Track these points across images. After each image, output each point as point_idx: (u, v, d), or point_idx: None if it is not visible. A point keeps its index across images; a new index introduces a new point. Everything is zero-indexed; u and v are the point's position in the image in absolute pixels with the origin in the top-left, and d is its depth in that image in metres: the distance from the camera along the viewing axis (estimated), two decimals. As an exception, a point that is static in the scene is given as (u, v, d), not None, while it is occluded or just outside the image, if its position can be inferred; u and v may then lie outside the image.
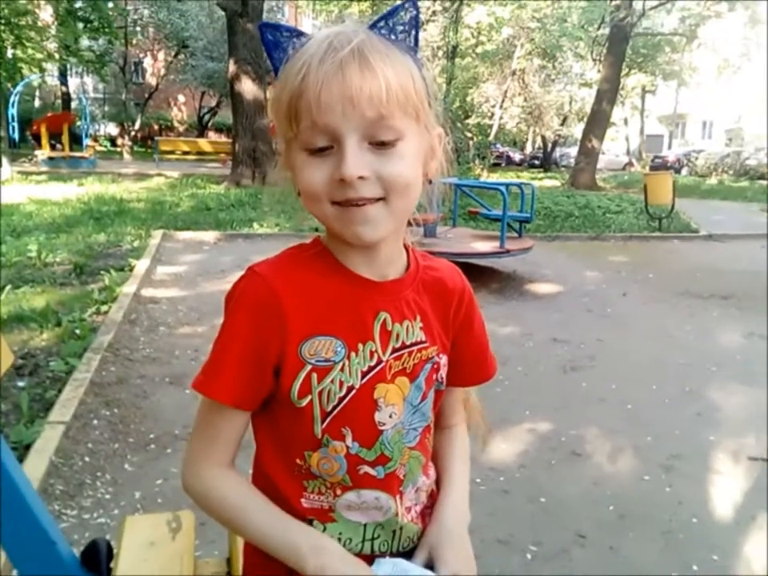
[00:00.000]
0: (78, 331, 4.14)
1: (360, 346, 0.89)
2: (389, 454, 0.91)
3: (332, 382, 0.87)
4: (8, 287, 5.09)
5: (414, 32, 0.83)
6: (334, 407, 0.87)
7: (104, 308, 4.73)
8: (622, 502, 2.55)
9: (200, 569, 1.21)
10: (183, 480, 0.92)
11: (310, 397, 0.86)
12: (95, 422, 3.04)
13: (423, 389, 0.94)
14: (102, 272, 5.78)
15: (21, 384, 3.32)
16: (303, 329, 0.86)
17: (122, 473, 2.63)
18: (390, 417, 0.91)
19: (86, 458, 2.71)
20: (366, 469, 0.90)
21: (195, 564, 1.20)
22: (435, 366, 0.95)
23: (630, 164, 36.01)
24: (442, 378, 0.97)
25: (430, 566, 0.91)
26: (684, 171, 30.16)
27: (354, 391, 0.88)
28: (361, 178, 0.78)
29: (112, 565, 1.20)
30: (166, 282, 5.93)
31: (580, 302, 5.90)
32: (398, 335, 0.91)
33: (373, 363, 0.89)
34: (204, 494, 0.90)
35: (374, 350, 0.89)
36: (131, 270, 6.01)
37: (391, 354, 0.91)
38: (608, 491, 2.64)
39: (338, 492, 0.91)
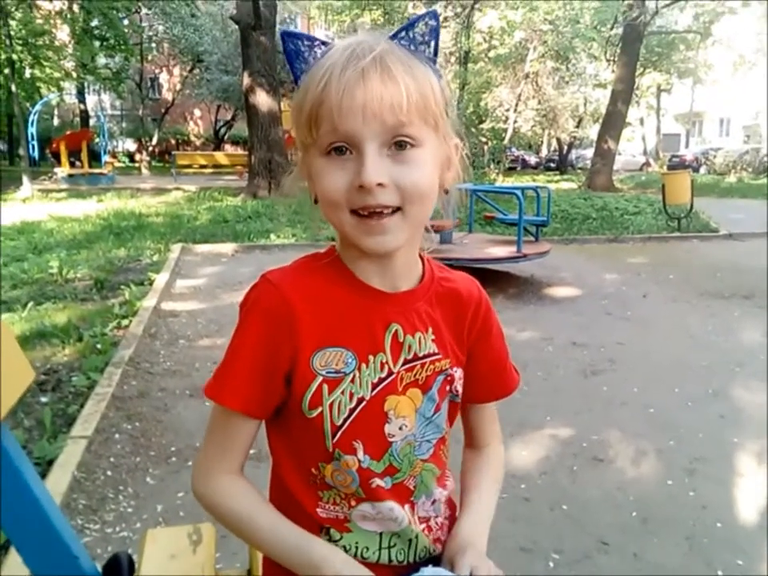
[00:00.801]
0: (99, 346, 4.19)
1: (371, 357, 0.89)
2: (397, 465, 0.91)
3: (342, 393, 0.87)
4: (30, 304, 5.17)
5: (433, 43, 0.84)
6: (345, 419, 0.87)
7: (124, 322, 4.78)
8: (645, 507, 2.52)
9: (220, 581, 1.22)
10: (193, 487, 0.93)
11: (320, 408, 0.87)
12: (117, 435, 3.07)
13: (436, 400, 0.94)
14: (123, 287, 5.85)
15: (44, 399, 3.36)
16: (315, 339, 0.87)
17: (144, 486, 2.65)
18: (401, 429, 0.91)
19: (108, 472, 2.74)
20: (378, 482, 0.90)
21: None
22: (449, 378, 0.95)
23: (647, 164, 35.73)
24: (456, 391, 0.97)
25: None
26: (702, 170, 29.88)
27: (364, 403, 0.88)
28: (380, 185, 0.78)
29: (133, 579, 1.21)
30: (185, 295, 5.98)
31: (599, 305, 5.86)
32: (410, 347, 0.91)
33: (383, 375, 0.89)
34: (214, 503, 0.90)
35: (384, 361, 0.89)
36: (151, 283, 6.07)
37: (403, 365, 0.90)
38: (631, 496, 2.62)
39: (353, 503, 0.91)
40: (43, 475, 2.51)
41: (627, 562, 2.19)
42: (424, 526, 0.96)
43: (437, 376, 0.94)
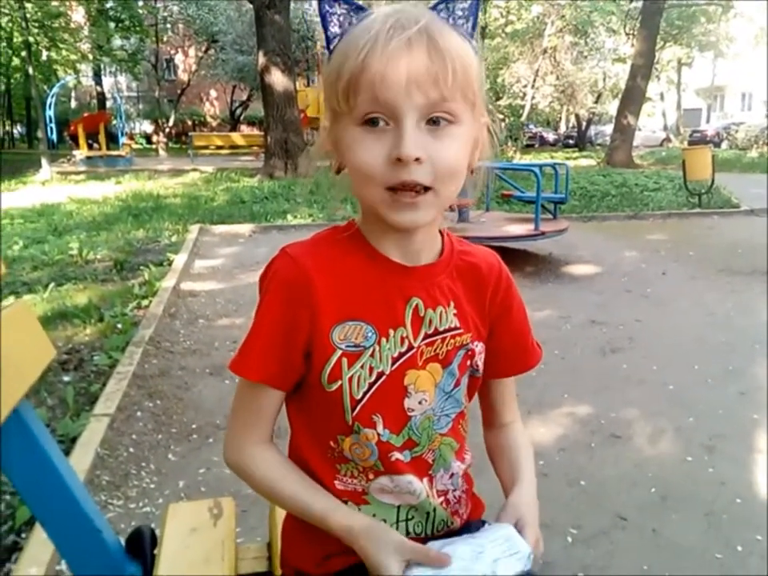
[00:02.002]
0: (120, 326, 4.24)
1: (391, 331, 0.89)
2: (416, 439, 0.91)
3: (362, 367, 0.87)
4: (51, 285, 5.23)
5: (472, 18, 0.82)
6: (364, 393, 0.88)
7: (145, 302, 4.83)
8: (663, 484, 2.52)
9: (241, 554, 1.24)
10: (226, 457, 0.95)
11: (339, 382, 0.87)
12: (139, 413, 3.11)
13: (456, 375, 0.94)
14: (142, 267, 5.90)
15: (66, 378, 3.41)
16: (334, 313, 0.87)
17: (166, 463, 2.69)
18: (420, 403, 0.91)
19: (131, 449, 2.78)
20: (397, 455, 0.91)
21: (236, 549, 1.23)
22: (469, 353, 0.95)
23: (668, 139, 35.21)
24: (477, 365, 0.96)
25: None
26: (724, 145, 29.36)
27: (384, 377, 0.88)
28: (417, 159, 0.77)
29: (156, 551, 1.23)
30: (203, 276, 6.02)
31: (618, 283, 5.82)
32: (430, 321, 0.91)
33: (404, 349, 0.89)
34: (246, 471, 0.92)
35: (405, 335, 0.89)
36: (170, 264, 6.12)
37: (423, 339, 0.90)
38: (649, 473, 2.61)
39: (371, 476, 0.92)
40: (67, 452, 2.56)
41: (646, 538, 2.19)
42: (442, 499, 0.96)
43: (457, 351, 0.93)
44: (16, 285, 5.23)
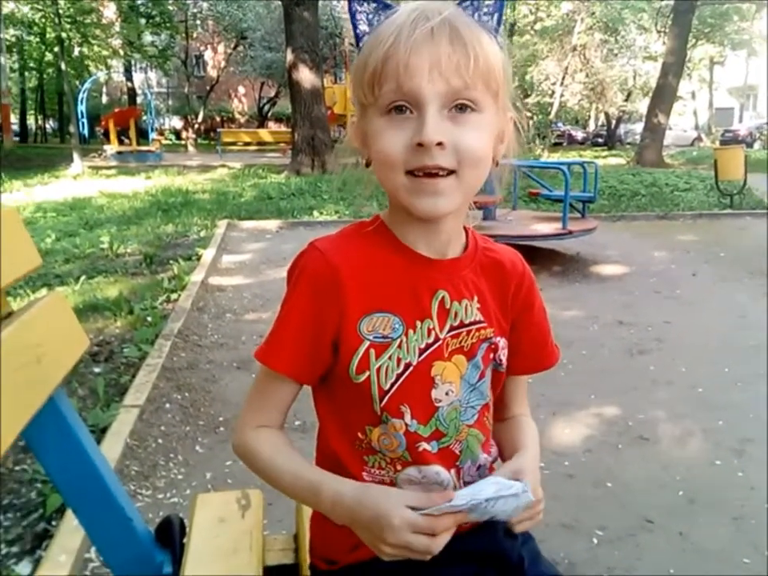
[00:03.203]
0: (149, 318, 4.30)
1: (418, 323, 0.90)
2: (443, 429, 0.92)
3: (389, 358, 0.88)
4: (83, 278, 5.32)
5: (497, 15, 0.84)
6: (392, 384, 0.88)
7: (174, 296, 4.89)
8: (691, 487, 2.49)
9: (268, 545, 1.25)
10: (232, 440, 0.97)
11: (367, 373, 0.88)
12: (167, 405, 3.16)
13: (481, 367, 0.95)
14: (171, 262, 5.97)
15: (97, 370, 3.47)
16: (362, 305, 0.88)
17: (194, 454, 2.72)
18: (447, 394, 0.92)
19: (159, 440, 2.82)
20: (424, 445, 0.91)
21: (264, 540, 1.24)
22: (492, 346, 0.95)
23: (699, 139, 34.67)
24: (500, 360, 0.97)
25: None
26: (756, 145, 28.88)
27: (411, 368, 0.89)
28: (439, 144, 0.78)
29: (185, 541, 1.25)
30: (231, 271, 6.07)
31: (647, 284, 5.75)
32: (456, 313, 0.92)
33: (430, 341, 0.90)
34: (244, 451, 0.94)
35: (431, 327, 0.90)
36: (198, 259, 6.18)
37: (449, 332, 0.91)
38: (677, 476, 2.58)
39: (398, 467, 0.92)
40: (97, 442, 2.58)
41: (672, 541, 2.17)
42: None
43: (481, 343, 0.94)
44: (48, 277, 5.32)
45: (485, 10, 0.83)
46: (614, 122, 32.36)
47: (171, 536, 1.25)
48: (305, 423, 2.61)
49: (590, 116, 36.71)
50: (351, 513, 0.83)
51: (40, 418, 0.98)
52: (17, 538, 2.09)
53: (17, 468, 2.47)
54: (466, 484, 0.95)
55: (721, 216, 9.79)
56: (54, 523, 2.14)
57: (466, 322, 0.93)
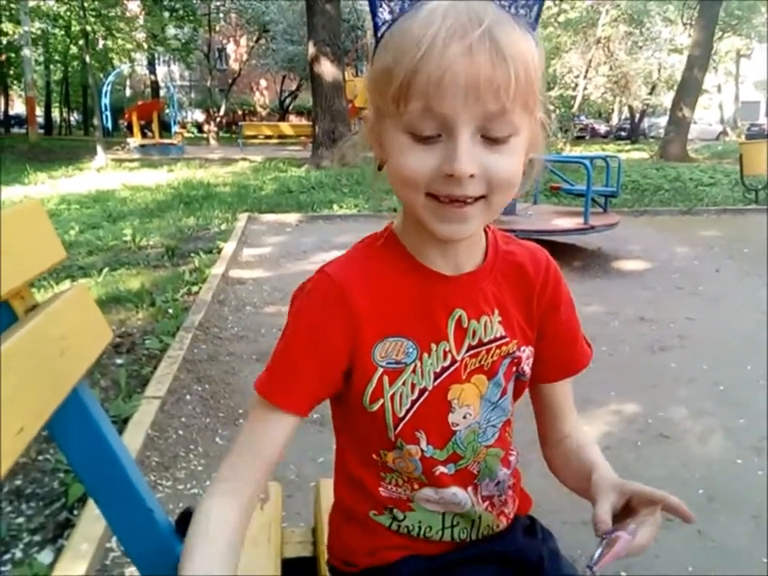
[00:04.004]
0: (170, 311, 4.34)
1: (433, 346, 0.85)
2: (461, 452, 0.89)
3: (403, 384, 0.84)
4: (105, 270, 5.38)
5: (536, 7, 0.74)
6: (407, 411, 0.84)
7: (194, 289, 4.93)
8: (711, 485, 2.47)
9: (287, 537, 1.26)
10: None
11: (381, 401, 0.84)
12: (188, 397, 3.19)
13: (503, 384, 0.90)
14: (192, 254, 6.02)
15: (119, 361, 3.51)
16: (375, 331, 0.83)
17: (213, 446, 2.75)
18: (465, 417, 0.88)
19: (180, 432, 2.85)
20: (441, 469, 0.88)
21: (282, 533, 1.25)
22: (515, 360, 0.90)
23: (724, 133, 34.20)
24: (523, 371, 0.92)
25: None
26: (784, 139, 28.33)
27: (426, 393, 0.85)
28: (471, 176, 0.70)
29: (205, 532, 1.26)
30: (251, 264, 6.10)
31: (669, 279, 5.69)
32: (474, 332, 0.86)
33: (446, 364, 0.85)
34: (195, 516, 0.80)
35: (447, 349, 0.85)
36: (219, 252, 6.22)
37: (467, 351, 0.86)
38: (697, 474, 2.56)
39: (415, 486, 0.90)
40: (119, 433, 2.63)
41: (691, 539, 2.15)
42: (487, 503, 0.95)
43: (502, 360, 0.89)
44: (72, 269, 5.39)
45: (522, 2, 0.72)
46: (637, 115, 32.01)
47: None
48: (323, 417, 2.62)
49: (613, 109, 36.34)
50: None
51: (63, 410, 0.99)
52: (39, 526, 2.12)
53: (39, 458, 2.52)
54: (484, 499, 0.94)
55: (745, 211, 9.64)
56: (75, 513, 2.17)
57: (485, 340, 0.87)
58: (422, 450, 0.86)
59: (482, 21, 0.67)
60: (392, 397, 0.84)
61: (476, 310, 0.86)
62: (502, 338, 0.88)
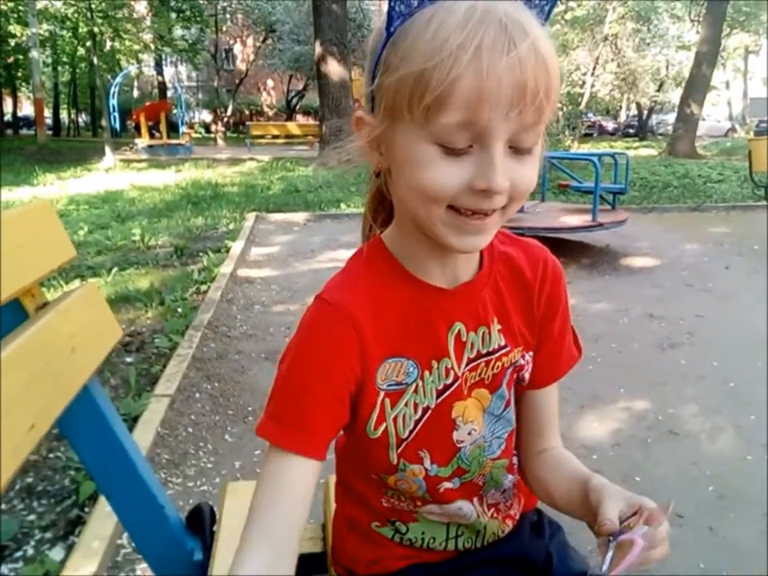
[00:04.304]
0: (179, 310, 4.36)
1: (434, 363, 0.82)
2: (465, 467, 0.87)
3: (406, 405, 0.81)
4: (115, 269, 5.41)
5: (548, 7, 0.70)
6: (410, 432, 0.82)
7: (203, 288, 4.95)
8: (722, 483, 2.46)
9: (297, 534, 1.26)
10: None
11: (384, 425, 0.81)
12: (197, 395, 3.20)
13: (506, 396, 0.88)
14: (201, 254, 6.04)
15: (128, 359, 3.53)
16: (378, 353, 0.79)
17: (223, 443, 2.76)
18: (470, 434, 0.85)
19: (189, 429, 2.87)
20: (446, 485, 0.86)
21: (292, 529, 1.25)
22: (518, 368, 0.88)
23: (733, 129, 34.01)
24: (523, 378, 0.89)
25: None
26: (794, 135, 28.14)
27: (429, 412, 0.82)
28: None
29: (215, 528, 1.27)
30: (259, 263, 6.12)
31: (678, 277, 5.66)
32: (472, 344, 0.83)
33: (449, 381, 0.82)
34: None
35: (449, 366, 0.82)
36: (227, 251, 6.23)
37: (466, 365, 0.83)
38: (707, 471, 2.55)
39: (419, 503, 0.89)
40: (129, 431, 2.64)
41: (702, 536, 2.14)
42: (492, 510, 0.94)
43: (505, 372, 0.86)
44: (81, 268, 5.42)
45: (536, 1, 0.68)
46: (645, 112, 31.87)
47: (202, 523, 1.27)
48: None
49: (621, 106, 36.19)
50: None
51: (74, 407, 1.00)
52: (50, 524, 2.14)
53: (50, 456, 2.53)
54: (490, 507, 0.93)
55: (755, 208, 9.59)
56: (86, 510, 2.18)
57: (483, 351, 0.84)
58: (426, 470, 0.84)
59: (527, 30, 0.63)
60: (395, 419, 0.81)
61: (474, 321, 0.83)
62: (502, 347, 0.85)
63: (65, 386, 0.97)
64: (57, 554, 1.98)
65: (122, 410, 2.84)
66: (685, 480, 2.50)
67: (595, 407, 3.07)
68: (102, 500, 2.09)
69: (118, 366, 3.42)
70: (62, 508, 2.22)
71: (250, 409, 3.05)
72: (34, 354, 0.89)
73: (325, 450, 0.77)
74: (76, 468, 2.38)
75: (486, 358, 0.84)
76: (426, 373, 0.81)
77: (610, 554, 0.69)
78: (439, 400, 0.82)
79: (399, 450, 0.82)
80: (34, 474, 2.41)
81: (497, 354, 0.85)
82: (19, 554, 1.99)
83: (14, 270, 0.91)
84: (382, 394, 0.80)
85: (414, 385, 0.81)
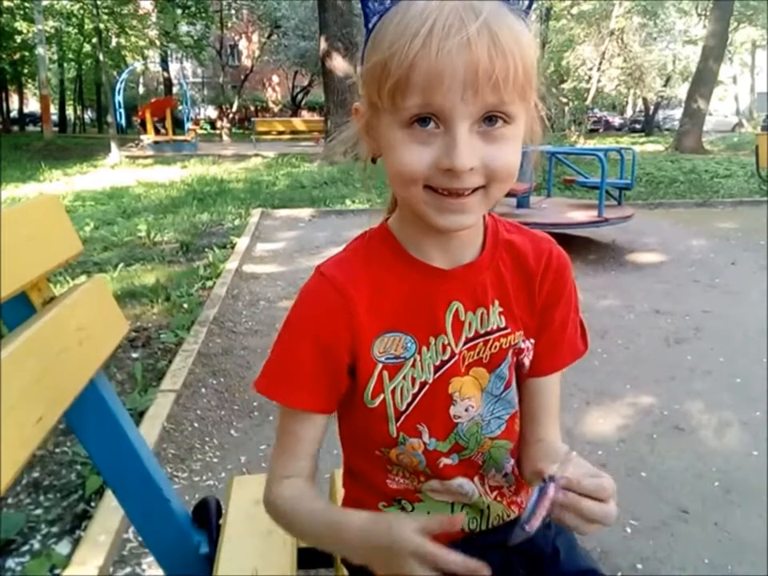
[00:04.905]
0: (185, 305, 4.37)
1: (432, 339, 0.85)
2: (463, 444, 0.89)
3: (404, 378, 0.85)
4: (121, 265, 5.42)
5: None
6: (408, 405, 0.85)
7: (209, 283, 4.96)
8: (728, 478, 2.46)
9: (302, 527, 1.27)
10: (264, 498, 0.91)
11: (382, 396, 0.85)
12: (203, 390, 3.21)
13: (506, 377, 0.90)
14: (207, 250, 6.05)
15: (135, 355, 3.54)
16: (373, 327, 0.83)
17: (229, 438, 2.77)
18: (467, 410, 0.88)
19: (195, 424, 2.87)
20: (444, 461, 0.89)
21: (298, 523, 1.25)
22: (518, 351, 0.90)
23: (740, 125, 33.85)
24: (522, 363, 0.92)
25: None
26: (801, 130, 28.00)
27: (427, 386, 0.86)
28: (470, 169, 0.70)
29: (221, 522, 1.27)
30: (265, 259, 6.12)
31: (685, 272, 5.64)
32: (470, 324, 0.86)
33: (446, 357, 0.85)
34: (270, 508, 0.90)
35: (446, 343, 0.85)
36: (233, 247, 6.25)
37: (464, 344, 0.86)
38: (713, 466, 2.55)
39: (421, 479, 0.91)
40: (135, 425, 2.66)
41: (708, 531, 2.14)
42: (496, 493, 0.95)
43: (505, 354, 0.88)
44: (88, 264, 5.44)
45: None
46: (652, 107, 31.74)
47: (208, 517, 1.28)
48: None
49: (627, 101, 36.04)
50: (365, 545, 0.75)
51: (81, 401, 1.01)
52: (57, 518, 2.15)
53: (57, 450, 2.55)
54: (492, 489, 0.94)
55: (762, 203, 9.52)
56: (93, 504, 2.20)
57: (482, 332, 0.86)
58: (425, 444, 0.87)
59: (479, 12, 0.66)
60: (393, 391, 0.85)
61: (473, 301, 0.86)
62: (501, 329, 0.87)
63: (72, 380, 0.98)
64: (63, 547, 1.99)
65: (128, 405, 2.85)
66: (691, 475, 2.49)
67: (601, 403, 3.07)
68: (109, 494, 2.10)
69: (124, 362, 3.43)
70: (69, 502, 2.23)
71: (255, 404, 3.06)
72: (42, 347, 0.90)
73: (315, 401, 0.85)
74: (82, 463, 2.40)
75: (484, 338, 0.87)
76: (424, 348, 0.85)
77: (532, 499, 0.69)
78: (437, 375, 0.85)
79: (398, 424, 0.86)
80: (40, 468, 2.42)
81: (495, 335, 0.87)
82: (26, 547, 2.00)
83: (22, 263, 0.92)
84: (380, 365, 0.84)
85: (412, 359, 0.85)
